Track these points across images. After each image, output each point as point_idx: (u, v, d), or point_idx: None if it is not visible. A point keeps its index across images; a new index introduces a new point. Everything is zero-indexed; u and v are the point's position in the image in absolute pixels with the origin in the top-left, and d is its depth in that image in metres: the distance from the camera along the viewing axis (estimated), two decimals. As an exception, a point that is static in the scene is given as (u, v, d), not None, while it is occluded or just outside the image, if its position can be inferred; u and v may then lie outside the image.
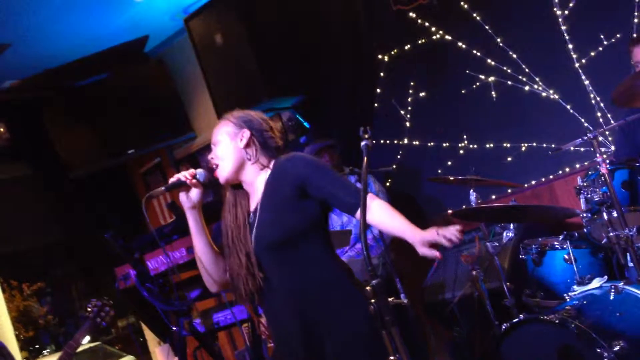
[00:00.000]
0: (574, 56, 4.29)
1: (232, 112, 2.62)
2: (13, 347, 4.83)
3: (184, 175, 2.49)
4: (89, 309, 4.04)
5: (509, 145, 4.62)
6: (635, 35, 3.86)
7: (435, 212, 5.05)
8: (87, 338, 4.31)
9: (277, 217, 2.40)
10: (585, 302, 3.10)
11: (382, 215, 2.37)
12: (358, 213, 2.31)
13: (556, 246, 3.58)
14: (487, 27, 4.57)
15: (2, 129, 6.29)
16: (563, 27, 4.30)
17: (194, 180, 2.49)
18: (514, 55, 4.50)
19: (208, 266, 2.53)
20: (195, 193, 2.51)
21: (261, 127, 2.58)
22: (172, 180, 2.50)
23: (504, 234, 3.93)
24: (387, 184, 5.15)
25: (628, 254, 3.14)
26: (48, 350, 6.09)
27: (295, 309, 2.38)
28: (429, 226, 2.32)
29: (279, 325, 2.48)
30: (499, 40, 4.54)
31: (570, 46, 4.30)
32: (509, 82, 4.55)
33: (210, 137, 2.58)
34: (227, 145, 2.52)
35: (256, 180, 2.51)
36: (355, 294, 2.38)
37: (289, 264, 2.40)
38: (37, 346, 6.03)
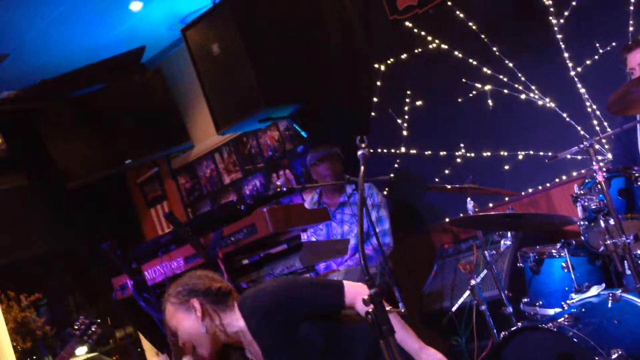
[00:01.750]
0: (570, 64, 4.31)
1: (168, 292, 2.50)
2: (11, 358, 4.80)
3: None
4: (76, 326, 4.04)
5: (506, 153, 4.63)
6: (629, 43, 3.87)
7: (433, 220, 5.05)
8: (83, 348, 4.31)
9: (298, 350, 2.33)
10: (583, 310, 3.10)
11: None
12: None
13: (554, 254, 3.58)
14: (483, 36, 4.59)
15: (-1, 140, 6.29)
16: (559, 36, 4.32)
17: None
18: (510, 64, 4.52)
19: None
20: None
21: (206, 287, 2.46)
22: None
23: (502, 242, 3.93)
24: (385, 192, 5.15)
25: (625, 261, 3.14)
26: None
27: None
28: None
29: None
30: (495, 49, 4.56)
31: (566, 54, 4.31)
32: (505, 91, 4.56)
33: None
34: (186, 327, 2.41)
35: (239, 336, 2.43)
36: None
37: None
38: (34, 357, 5.99)
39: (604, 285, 3.27)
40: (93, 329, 4.08)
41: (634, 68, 3.68)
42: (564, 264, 3.47)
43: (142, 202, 6.95)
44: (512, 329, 3.14)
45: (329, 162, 4.64)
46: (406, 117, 5.06)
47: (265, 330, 2.35)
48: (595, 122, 4.25)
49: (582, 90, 4.28)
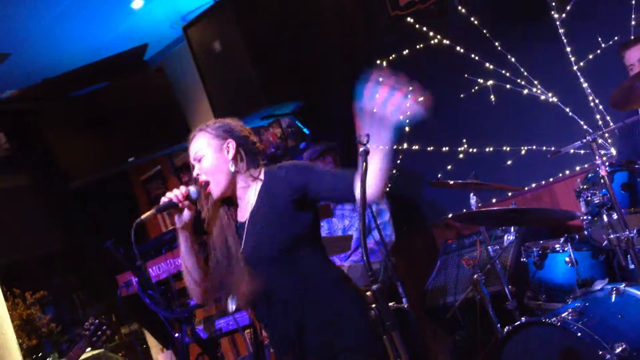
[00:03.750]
0: (572, 59, 4.30)
1: (207, 123, 2.53)
2: (16, 355, 4.82)
3: (176, 196, 2.39)
4: (86, 327, 4.05)
5: (508, 148, 4.63)
6: (626, 40, 3.87)
7: (436, 216, 5.06)
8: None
9: (273, 228, 2.36)
10: (586, 304, 3.10)
11: (371, 178, 2.23)
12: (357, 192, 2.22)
13: (557, 249, 3.58)
14: (485, 31, 4.59)
15: (1, 139, 6.30)
16: (561, 30, 4.31)
17: (186, 202, 2.40)
18: (513, 59, 4.51)
19: (196, 281, 2.47)
20: (187, 213, 2.42)
21: (244, 135, 2.51)
22: (163, 200, 2.41)
23: (505, 237, 3.93)
24: (387, 188, 5.15)
25: (629, 255, 3.15)
26: (51, 358, 6.08)
27: (293, 318, 2.37)
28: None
29: (277, 333, 2.46)
30: (497, 44, 4.56)
31: (569, 49, 4.31)
32: (508, 86, 4.56)
33: None
34: (213, 159, 2.44)
35: (247, 191, 2.45)
36: (354, 298, 2.38)
37: (285, 274, 2.37)
38: (40, 354, 6.02)
39: (607, 279, 3.28)
40: (103, 330, 4.08)
41: (634, 64, 3.68)
42: (567, 259, 3.47)
43: (145, 200, 6.96)
44: (516, 323, 3.15)
45: (330, 156, 4.65)
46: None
47: (274, 189, 2.39)
48: (598, 116, 4.25)
49: (585, 85, 4.27)
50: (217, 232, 2.46)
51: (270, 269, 2.38)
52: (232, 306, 2.45)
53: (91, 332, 4.06)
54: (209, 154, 2.44)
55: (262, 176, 2.46)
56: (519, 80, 4.51)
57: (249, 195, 2.45)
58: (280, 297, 2.39)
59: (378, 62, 5.10)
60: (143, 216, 2.38)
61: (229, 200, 2.51)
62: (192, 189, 2.42)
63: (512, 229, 4.07)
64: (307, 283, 2.37)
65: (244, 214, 2.46)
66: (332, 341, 2.35)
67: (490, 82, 4.63)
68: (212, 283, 2.48)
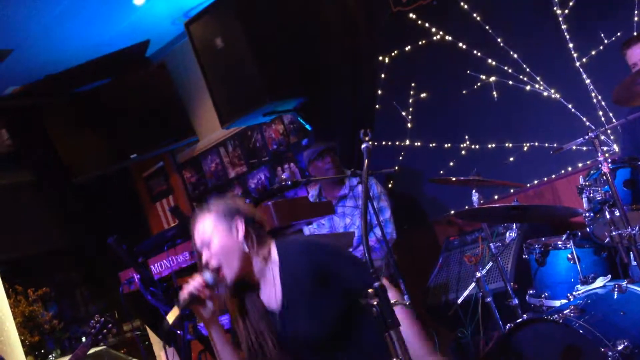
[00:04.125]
0: (575, 55, 4.29)
1: (210, 204, 2.37)
2: (18, 352, 4.83)
3: (195, 287, 2.26)
4: (92, 325, 4.08)
5: (510, 145, 4.62)
6: (628, 38, 3.86)
7: (438, 213, 5.05)
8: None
9: (314, 310, 2.22)
10: (589, 301, 3.10)
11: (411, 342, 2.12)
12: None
13: (559, 246, 3.57)
14: (487, 27, 4.58)
15: (4, 135, 6.30)
16: (564, 27, 4.30)
17: (207, 291, 2.27)
18: (515, 55, 4.50)
19: None
20: (210, 303, 2.30)
21: (250, 212, 2.36)
22: (184, 297, 2.26)
23: (507, 234, 3.92)
24: (390, 185, 5.15)
25: (631, 252, 3.14)
26: (53, 355, 6.09)
27: None
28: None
29: None
30: (499, 40, 4.55)
31: (571, 45, 4.30)
32: (510, 82, 4.55)
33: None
34: (224, 242, 2.28)
35: (266, 272, 2.31)
36: None
37: (342, 353, 2.25)
38: (42, 351, 6.03)
39: (609, 276, 3.27)
40: (108, 328, 4.11)
41: (636, 63, 3.67)
42: (569, 256, 3.47)
43: (148, 197, 6.97)
44: (518, 320, 3.14)
45: (329, 156, 4.64)
46: (410, 109, 5.05)
47: (295, 271, 2.25)
48: (600, 113, 4.24)
49: (588, 81, 4.26)
50: (246, 320, 2.32)
51: (314, 356, 2.27)
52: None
53: (97, 330, 4.09)
54: (217, 236, 2.29)
55: (273, 253, 2.32)
56: (521, 77, 4.50)
57: (268, 277, 2.31)
58: None
59: (380, 58, 5.10)
60: (169, 319, 2.27)
61: (246, 284, 2.36)
62: (207, 275, 2.29)
63: (514, 225, 4.06)
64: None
65: (270, 297, 2.32)
66: None
67: (492, 79, 4.62)
68: None
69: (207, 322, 2.31)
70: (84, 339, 4.16)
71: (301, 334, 2.24)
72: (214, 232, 2.29)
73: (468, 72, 4.69)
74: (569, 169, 4.43)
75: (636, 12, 4.05)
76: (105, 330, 4.11)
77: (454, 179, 3.92)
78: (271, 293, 2.30)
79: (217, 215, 2.31)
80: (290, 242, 2.34)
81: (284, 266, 2.27)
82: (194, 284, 2.26)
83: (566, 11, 4.29)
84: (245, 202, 2.41)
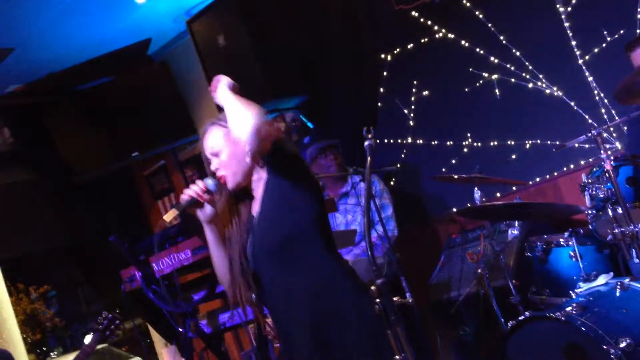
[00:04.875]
0: (578, 53, 4.28)
1: (218, 116, 2.53)
2: (20, 350, 4.84)
3: (195, 192, 2.39)
4: (99, 321, 4.13)
5: (513, 143, 4.61)
6: (631, 41, 3.85)
7: (440, 210, 5.05)
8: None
9: (276, 219, 2.35)
10: (591, 298, 3.10)
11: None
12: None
13: (561, 243, 3.57)
14: (489, 25, 4.57)
15: (6, 134, 6.30)
16: (566, 24, 4.30)
17: (207, 196, 2.39)
18: (517, 53, 4.50)
19: (225, 275, 2.46)
20: (209, 207, 2.42)
21: None
22: (184, 198, 2.39)
23: (509, 231, 3.93)
24: (392, 183, 5.15)
25: (633, 250, 3.14)
26: (55, 352, 6.11)
27: (300, 311, 2.35)
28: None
29: (284, 327, 2.45)
30: (502, 37, 4.54)
31: (574, 43, 4.29)
32: (513, 80, 4.54)
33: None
34: (232, 152, 2.41)
35: (260, 184, 2.44)
36: (360, 293, 2.37)
37: (291, 265, 2.35)
38: (44, 349, 6.04)
39: (612, 274, 3.27)
40: (116, 324, 4.17)
41: None
42: (571, 253, 3.47)
43: (149, 195, 6.96)
44: (520, 318, 3.14)
45: (331, 154, 4.64)
46: (413, 107, 5.05)
47: (274, 188, 2.38)
48: (603, 110, 4.23)
49: (590, 79, 4.26)
50: (239, 224, 2.46)
51: (272, 261, 2.37)
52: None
53: (104, 326, 4.14)
54: (226, 147, 2.43)
55: (266, 172, 2.42)
56: (523, 74, 4.50)
57: (256, 191, 2.45)
58: (282, 291, 2.38)
59: (382, 56, 5.10)
60: (166, 218, 2.37)
61: (244, 193, 2.49)
62: (210, 181, 2.41)
63: (516, 223, 4.07)
64: (307, 279, 2.35)
65: (255, 209, 2.46)
66: (332, 341, 2.33)
67: (495, 76, 4.62)
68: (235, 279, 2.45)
69: (204, 222, 2.45)
70: (88, 337, 4.19)
71: (260, 239, 2.38)
72: (223, 142, 2.43)
73: (470, 69, 4.68)
74: (571, 166, 4.43)
75: (639, 9, 4.04)
76: (113, 327, 4.17)
77: (456, 176, 3.92)
78: (255, 206, 2.45)
79: (226, 126, 2.45)
80: None
81: (268, 185, 2.40)
82: (195, 188, 2.39)
83: (569, 9, 4.28)
84: None
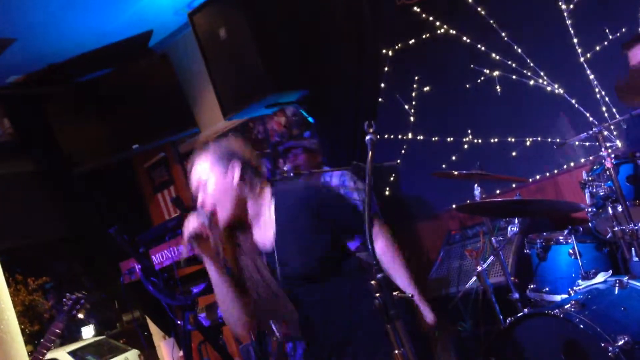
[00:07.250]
0: (579, 50, 4.28)
1: (206, 145, 2.40)
2: (19, 341, 4.84)
3: (194, 228, 2.27)
4: (65, 302, 4.29)
5: (513, 139, 4.61)
6: (628, 40, 3.84)
7: (440, 207, 5.05)
8: (90, 331, 4.45)
9: (304, 246, 2.31)
10: (589, 296, 3.10)
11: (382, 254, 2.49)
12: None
13: (561, 241, 3.57)
14: (491, 21, 4.56)
15: (6, 124, 6.30)
16: (568, 21, 4.29)
17: (207, 230, 2.28)
18: (519, 50, 4.49)
19: (238, 312, 2.36)
20: (212, 238, 2.31)
21: (247, 156, 2.39)
22: (188, 236, 2.28)
23: (509, 228, 3.92)
24: (391, 179, 5.15)
25: (633, 248, 3.14)
26: (52, 344, 6.11)
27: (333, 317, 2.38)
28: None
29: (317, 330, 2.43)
30: (503, 34, 4.53)
31: (575, 40, 4.29)
32: (514, 77, 4.54)
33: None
34: (220, 184, 2.31)
35: (258, 216, 2.37)
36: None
37: (325, 280, 2.36)
38: (42, 340, 6.05)
39: (610, 272, 3.27)
40: (81, 303, 4.31)
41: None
42: (571, 251, 3.47)
43: (149, 187, 6.97)
44: (519, 315, 3.15)
45: (301, 155, 4.61)
46: (414, 103, 5.05)
47: (289, 208, 2.32)
48: (604, 108, 4.23)
49: (591, 77, 4.26)
50: (242, 259, 2.38)
51: (302, 284, 2.37)
52: (277, 333, 2.30)
53: (69, 307, 4.35)
54: (213, 178, 2.32)
55: (270, 195, 2.37)
56: (525, 71, 4.49)
57: (262, 218, 2.37)
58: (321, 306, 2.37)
59: (384, 51, 5.09)
60: (182, 255, 2.36)
61: (240, 226, 2.41)
62: (202, 216, 2.30)
63: (515, 220, 4.05)
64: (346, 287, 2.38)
65: (264, 237, 2.38)
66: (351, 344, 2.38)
67: (496, 73, 4.61)
68: (256, 309, 2.39)
69: (210, 257, 2.32)
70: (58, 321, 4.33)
71: (290, 269, 2.33)
72: (210, 175, 2.31)
73: (472, 66, 4.68)
74: (572, 164, 4.43)
75: (641, 7, 4.04)
76: (78, 306, 4.37)
77: (456, 172, 3.92)
78: (265, 233, 2.37)
79: (213, 158, 2.34)
80: (285, 183, 2.47)
81: (278, 206, 2.33)
82: (192, 224, 2.28)
83: (571, 6, 4.27)
84: (243, 145, 2.42)
